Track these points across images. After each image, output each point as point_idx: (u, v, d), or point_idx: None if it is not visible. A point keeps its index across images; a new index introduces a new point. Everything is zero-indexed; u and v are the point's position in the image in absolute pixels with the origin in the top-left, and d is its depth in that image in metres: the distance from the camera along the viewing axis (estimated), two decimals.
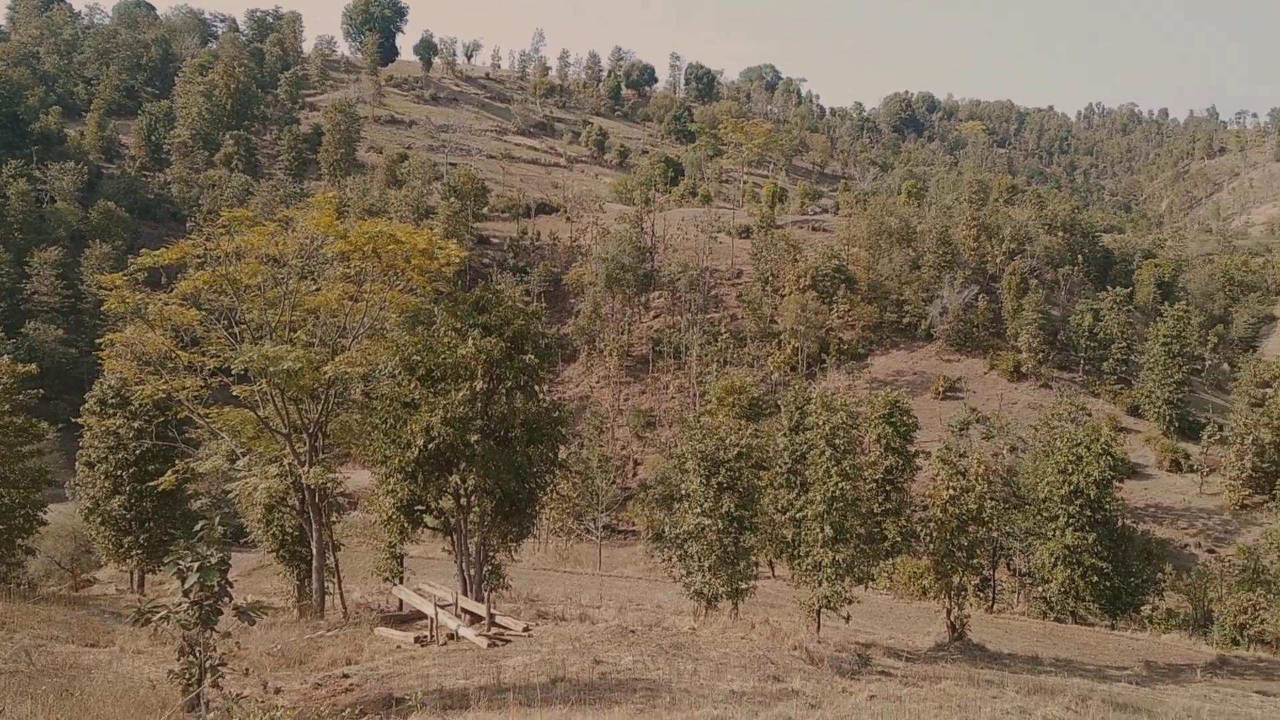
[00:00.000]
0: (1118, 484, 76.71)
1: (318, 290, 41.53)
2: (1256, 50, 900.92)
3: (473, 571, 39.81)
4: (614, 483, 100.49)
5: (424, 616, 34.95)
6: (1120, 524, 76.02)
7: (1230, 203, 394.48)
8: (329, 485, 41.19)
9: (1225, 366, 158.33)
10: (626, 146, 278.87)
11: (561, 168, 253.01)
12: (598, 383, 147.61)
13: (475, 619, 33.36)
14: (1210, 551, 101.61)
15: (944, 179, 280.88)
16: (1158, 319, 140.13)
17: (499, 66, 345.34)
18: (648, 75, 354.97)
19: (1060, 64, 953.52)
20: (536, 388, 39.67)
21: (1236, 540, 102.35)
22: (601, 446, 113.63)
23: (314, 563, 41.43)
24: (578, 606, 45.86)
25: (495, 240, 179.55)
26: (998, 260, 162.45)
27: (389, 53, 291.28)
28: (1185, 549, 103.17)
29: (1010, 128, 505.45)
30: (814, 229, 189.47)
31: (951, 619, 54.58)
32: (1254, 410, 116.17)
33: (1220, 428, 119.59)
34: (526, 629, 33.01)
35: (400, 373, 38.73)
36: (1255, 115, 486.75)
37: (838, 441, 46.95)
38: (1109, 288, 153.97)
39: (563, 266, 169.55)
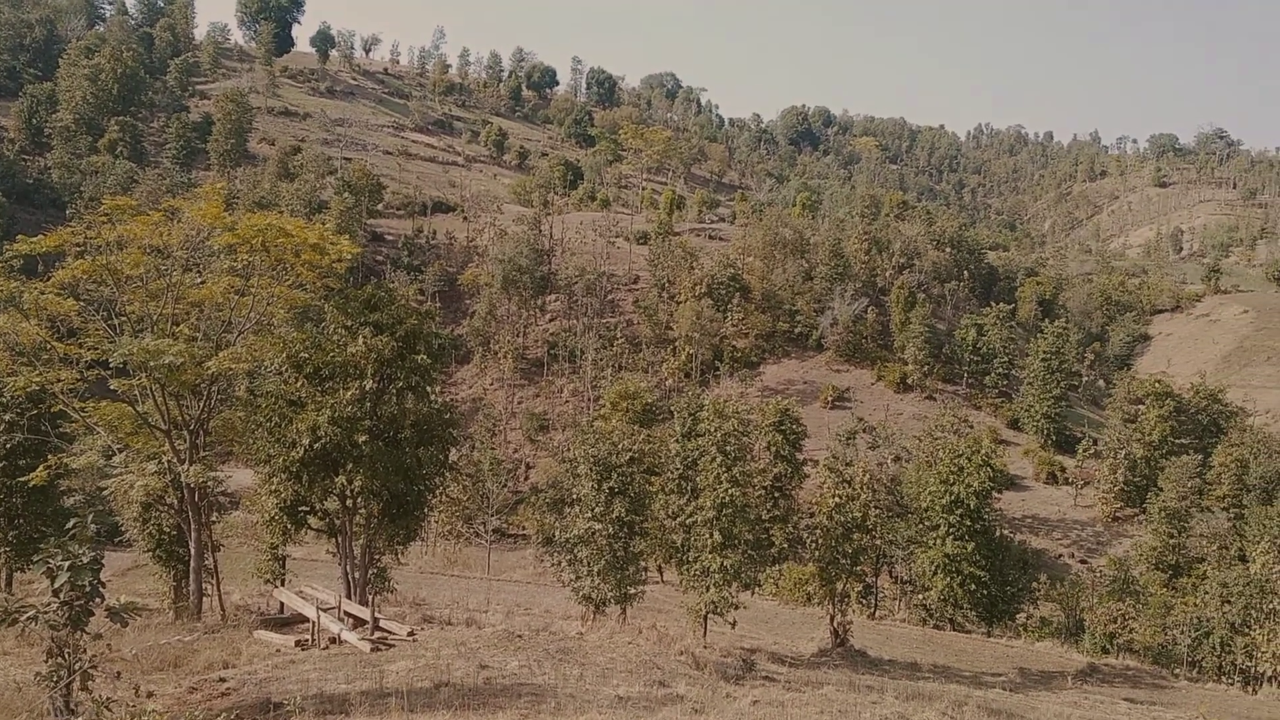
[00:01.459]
0: (997, 495, 79.13)
1: (203, 283, 40.38)
2: (1135, 80, 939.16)
3: (357, 574, 39.07)
4: (505, 486, 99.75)
5: (306, 620, 34.18)
6: (998, 534, 78.35)
7: (1109, 224, 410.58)
8: (209, 484, 40.04)
9: (1101, 383, 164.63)
10: (526, 148, 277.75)
11: (460, 167, 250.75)
12: (491, 385, 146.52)
13: (359, 623, 32.76)
14: (1083, 562, 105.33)
15: (838, 193, 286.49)
16: (1038, 335, 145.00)
17: (398, 62, 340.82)
18: (549, 77, 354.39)
19: (952, 85, 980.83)
20: (428, 388, 39.13)
21: (1108, 551, 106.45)
22: (493, 449, 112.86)
23: (192, 563, 40.21)
24: (465, 611, 45.37)
25: (390, 238, 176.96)
26: (887, 274, 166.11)
27: (284, 43, 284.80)
28: (1059, 559, 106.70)
29: (902, 145, 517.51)
30: (711, 237, 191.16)
31: (835, 625, 55.54)
32: (1127, 426, 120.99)
33: (1095, 442, 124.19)
34: (411, 633, 32.52)
35: (287, 370, 37.79)
36: (1135, 141, 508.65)
37: (729, 448, 47.42)
38: (993, 304, 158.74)
39: (458, 266, 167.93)
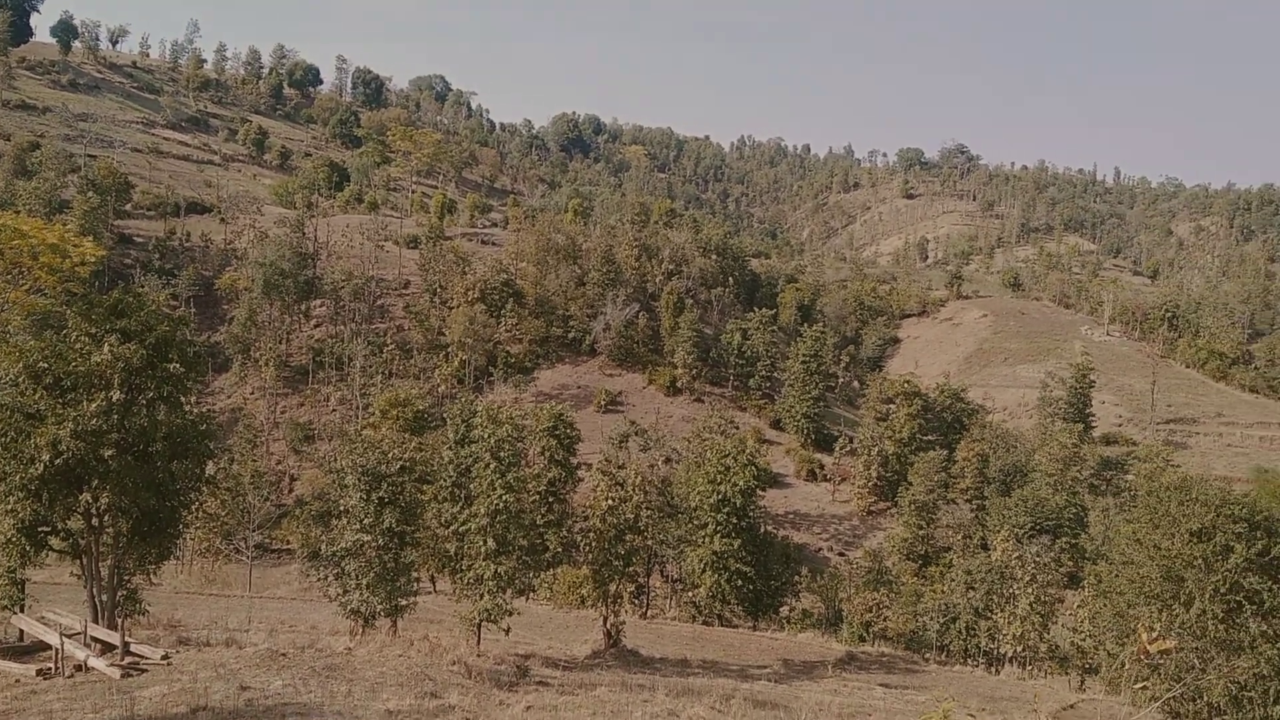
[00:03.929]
0: (761, 493, 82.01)
1: None
2: (884, 97, 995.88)
3: (105, 597, 36.64)
4: (267, 499, 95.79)
5: (48, 647, 32.07)
6: (763, 530, 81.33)
7: (862, 233, 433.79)
8: None
9: (856, 384, 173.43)
10: (289, 148, 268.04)
11: (216, 166, 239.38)
12: (252, 394, 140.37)
13: (108, 648, 30.87)
14: (841, 555, 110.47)
15: (608, 199, 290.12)
16: (798, 339, 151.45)
17: (148, 55, 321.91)
18: (313, 76, 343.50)
19: (714, 97, 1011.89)
20: (182, 399, 37.15)
21: (863, 544, 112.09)
22: (255, 461, 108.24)
23: None
24: (225, 631, 43.29)
25: (140, 240, 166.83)
26: (657, 280, 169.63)
27: (22, 32, 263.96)
28: (819, 553, 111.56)
29: (670, 154, 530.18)
30: (483, 242, 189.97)
31: (608, 626, 56.12)
32: (879, 424, 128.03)
33: (851, 440, 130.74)
34: (166, 657, 30.87)
35: (24, 381, 35.02)
36: (885, 154, 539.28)
37: (503, 454, 47.14)
38: (756, 309, 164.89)
39: (216, 270, 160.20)
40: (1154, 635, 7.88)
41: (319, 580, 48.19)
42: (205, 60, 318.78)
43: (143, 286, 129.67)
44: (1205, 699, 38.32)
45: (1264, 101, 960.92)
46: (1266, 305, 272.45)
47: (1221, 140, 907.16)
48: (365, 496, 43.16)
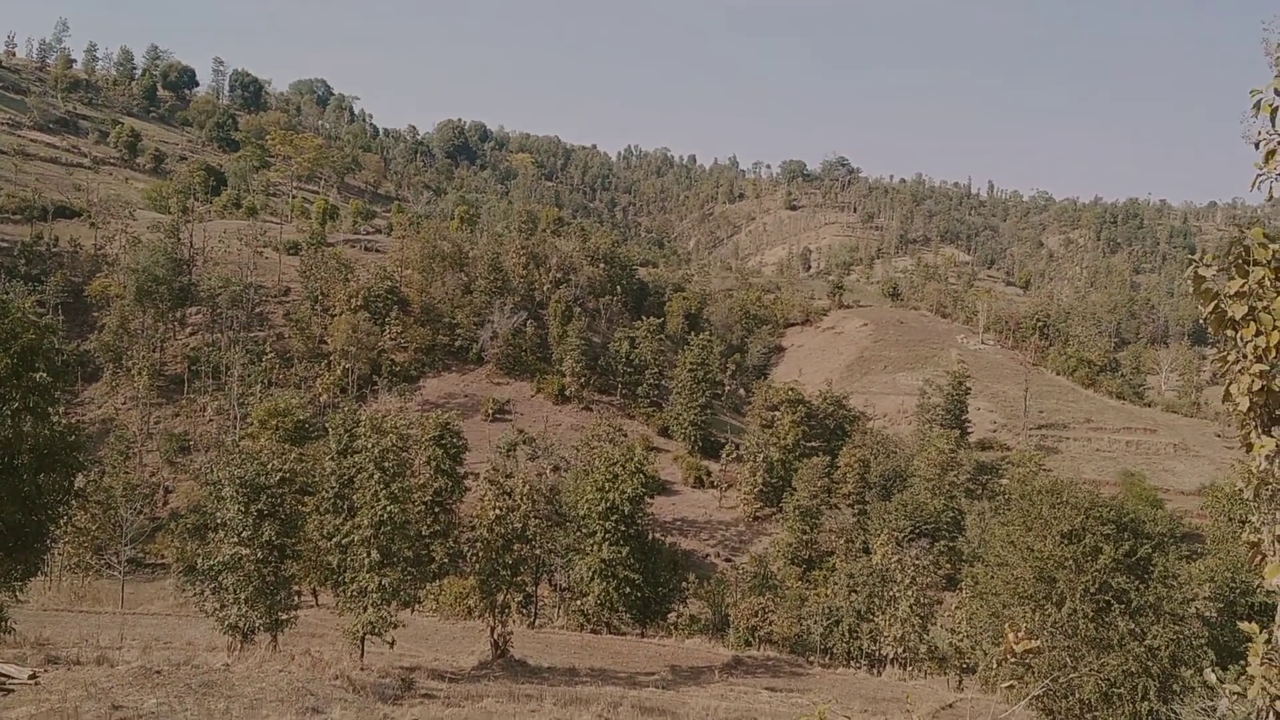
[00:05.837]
0: (649, 500, 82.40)
1: None
2: (768, 108, 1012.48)
3: None
4: (141, 513, 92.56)
5: None
6: (651, 538, 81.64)
7: (747, 243, 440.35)
8: None
9: (742, 391, 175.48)
10: (163, 151, 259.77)
11: (87, 169, 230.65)
12: (124, 404, 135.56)
13: None
14: (728, 560, 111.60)
15: (495, 207, 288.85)
16: (685, 347, 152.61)
17: (14, 54, 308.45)
18: (188, 78, 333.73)
19: (603, 106, 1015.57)
20: (49, 409, 35.68)
21: (749, 549, 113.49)
22: (128, 474, 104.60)
23: None
24: (96, 648, 41.68)
25: (4, 245, 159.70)
26: (545, 288, 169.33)
27: None
28: (706, 559, 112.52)
29: (558, 162, 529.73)
30: (367, 249, 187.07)
31: (495, 637, 55.68)
32: (764, 431, 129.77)
33: (737, 447, 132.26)
34: (33, 676, 29.60)
35: None
36: (769, 166, 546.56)
37: (387, 464, 46.48)
38: (644, 317, 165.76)
39: (86, 276, 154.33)
40: (1020, 635, 8.18)
41: (195, 595, 46.89)
42: (75, 60, 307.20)
43: (7, 293, 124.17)
44: (1077, 696, 39.71)
45: (1128, 118, 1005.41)
46: (1131, 315, 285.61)
47: (1088, 155, 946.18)
48: (243, 509, 42.10)
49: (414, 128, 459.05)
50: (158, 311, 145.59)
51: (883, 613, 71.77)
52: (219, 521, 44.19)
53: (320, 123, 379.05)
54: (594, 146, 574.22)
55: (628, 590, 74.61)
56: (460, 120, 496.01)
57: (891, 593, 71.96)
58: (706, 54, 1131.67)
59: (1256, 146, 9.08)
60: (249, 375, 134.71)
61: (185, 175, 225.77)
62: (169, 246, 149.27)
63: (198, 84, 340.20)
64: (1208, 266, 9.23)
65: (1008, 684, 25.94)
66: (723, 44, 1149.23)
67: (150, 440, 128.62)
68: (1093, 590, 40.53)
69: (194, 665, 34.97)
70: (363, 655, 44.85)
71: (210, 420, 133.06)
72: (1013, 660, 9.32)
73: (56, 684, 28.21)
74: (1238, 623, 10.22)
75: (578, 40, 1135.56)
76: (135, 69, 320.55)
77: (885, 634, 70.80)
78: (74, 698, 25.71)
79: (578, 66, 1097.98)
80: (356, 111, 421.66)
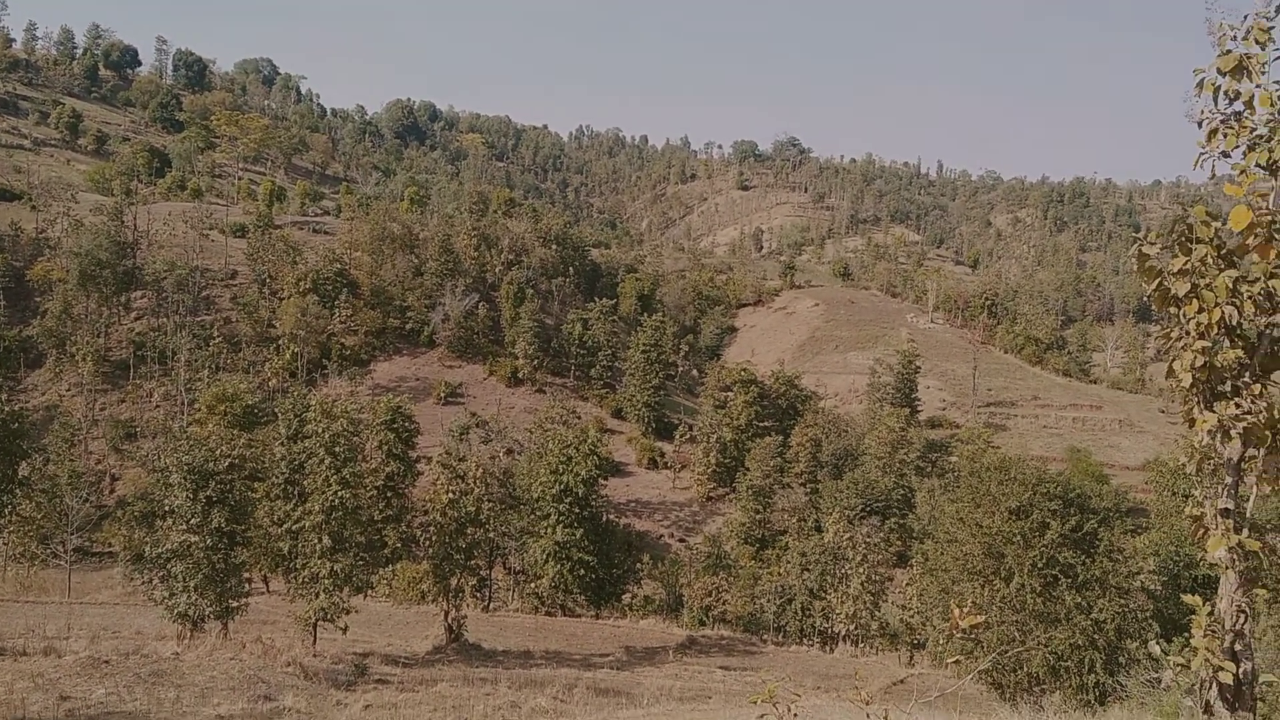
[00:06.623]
0: (603, 482, 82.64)
1: None
2: (720, 88, 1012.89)
3: None
4: (87, 501, 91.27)
5: None
6: (605, 519, 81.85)
7: (700, 224, 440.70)
8: None
9: (695, 372, 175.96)
10: (105, 132, 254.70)
11: (26, 150, 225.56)
12: (68, 390, 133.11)
13: None
14: (681, 540, 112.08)
15: (446, 188, 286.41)
16: (638, 329, 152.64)
17: None
18: (130, 57, 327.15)
19: (552, 85, 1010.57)
20: None
21: (703, 529, 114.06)
22: (73, 461, 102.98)
23: None
24: (43, 639, 41.00)
25: None
26: (497, 270, 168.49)
27: None
28: (660, 539, 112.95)
29: (509, 143, 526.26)
30: (315, 231, 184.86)
31: (449, 621, 55.60)
32: (718, 412, 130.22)
33: (690, 428, 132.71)
34: None
35: None
36: (721, 146, 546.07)
37: (338, 449, 46.14)
38: (597, 299, 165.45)
39: (27, 261, 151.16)
40: (966, 610, 8.26)
41: (144, 584, 46.36)
42: (14, 40, 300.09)
43: None
44: (1025, 669, 40.37)
45: (1072, 99, 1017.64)
46: (1078, 293, 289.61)
47: (1035, 136, 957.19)
48: (192, 495, 41.65)
49: (362, 108, 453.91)
50: (102, 296, 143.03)
51: (835, 590, 72.44)
52: (167, 509, 43.69)
53: (266, 103, 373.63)
54: (545, 127, 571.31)
55: (582, 572, 74.76)
56: (409, 100, 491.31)
57: (843, 570, 72.64)
58: (654, 35, 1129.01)
59: (1199, 125, 9.17)
60: (196, 360, 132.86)
61: (128, 157, 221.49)
62: (112, 230, 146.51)
63: (140, 64, 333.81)
64: (1151, 245, 9.31)
65: (955, 659, 26.18)
66: (670, 23, 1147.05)
67: (96, 427, 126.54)
68: (1040, 565, 41.15)
69: (143, 654, 34.55)
70: (315, 642, 44.56)
71: (157, 406, 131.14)
72: (961, 635, 9.42)
73: (3, 675, 27.75)
74: (1181, 596, 10.39)
75: (525, 21, 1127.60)
76: (76, 48, 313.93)
77: (837, 611, 71.47)
78: (21, 689, 25.30)
79: (527, 47, 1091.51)
80: (304, 91, 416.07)
